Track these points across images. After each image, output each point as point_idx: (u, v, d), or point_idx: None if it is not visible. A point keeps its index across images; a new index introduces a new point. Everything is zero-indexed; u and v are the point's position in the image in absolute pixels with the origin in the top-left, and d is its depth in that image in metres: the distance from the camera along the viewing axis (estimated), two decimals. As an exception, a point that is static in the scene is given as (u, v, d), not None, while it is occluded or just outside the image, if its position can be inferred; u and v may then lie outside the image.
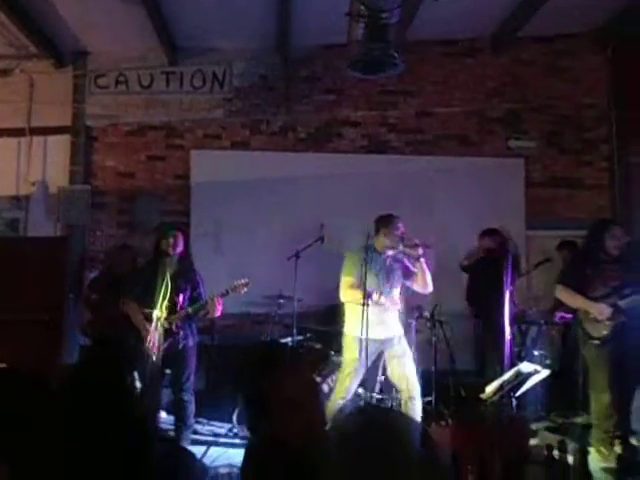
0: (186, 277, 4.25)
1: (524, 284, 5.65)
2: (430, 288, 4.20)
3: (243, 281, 4.20)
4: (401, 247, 4.09)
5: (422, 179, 6.29)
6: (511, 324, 4.10)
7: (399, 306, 4.27)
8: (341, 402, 4.11)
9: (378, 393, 4.64)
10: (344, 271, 4.21)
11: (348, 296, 4.18)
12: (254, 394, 1.47)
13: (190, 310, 4.17)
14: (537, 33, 6.38)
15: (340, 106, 6.55)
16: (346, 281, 4.17)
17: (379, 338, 4.11)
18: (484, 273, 4.98)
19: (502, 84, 6.65)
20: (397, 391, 4.30)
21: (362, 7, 3.35)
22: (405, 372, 4.13)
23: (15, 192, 6.26)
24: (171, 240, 4.21)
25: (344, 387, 4.19)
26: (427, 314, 5.06)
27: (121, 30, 5.87)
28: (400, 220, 4.15)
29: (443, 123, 6.60)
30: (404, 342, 4.23)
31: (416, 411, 4.09)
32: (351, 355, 4.16)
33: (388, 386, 4.51)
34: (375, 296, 4.03)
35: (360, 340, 4.03)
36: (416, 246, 4.03)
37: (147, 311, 4.13)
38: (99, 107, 6.37)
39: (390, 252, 4.16)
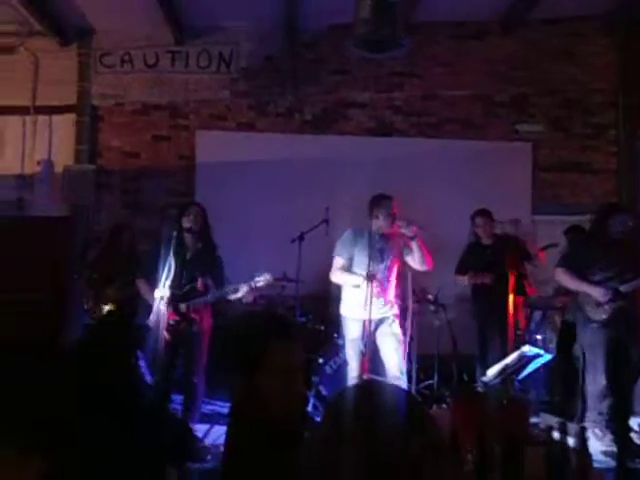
0: (206, 258, 4.16)
1: (529, 269, 5.63)
2: (427, 267, 4.23)
3: (266, 277, 4.08)
4: (394, 227, 4.13)
5: (428, 162, 6.24)
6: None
7: (394, 286, 4.30)
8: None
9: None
10: (336, 251, 4.30)
11: (337, 278, 4.30)
12: (251, 355, 1.49)
13: (210, 298, 4.10)
14: (547, 15, 6.28)
15: (347, 88, 6.50)
16: (337, 262, 4.27)
17: (374, 317, 4.14)
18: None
19: (510, 67, 6.57)
20: (383, 369, 4.34)
21: (369, -15, 3.33)
22: (393, 353, 4.19)
23: (20, 171, 6.26)
24: (191, 216, 4.11)
25: (352, 369, 4.24)
26: (431, 297, 5.07)
27: (127, 8, 5.80)
28: (393, 201, 4.21)
29: (450, 106, 6.54)
30: (396, 323, 4.27)
31: None
32: (351, 336, 4.24)
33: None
34: (363, 281, 4.05)
35: (357, 321, 4.14)
36: (409, 225, 4.07)
37: (162, 292, 4.03)
38: (104, 86, 6.34)
39: (384, 232, 4.19)
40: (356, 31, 3.56)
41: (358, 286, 4.13)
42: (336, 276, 4.29)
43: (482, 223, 4.98)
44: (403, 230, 4.10)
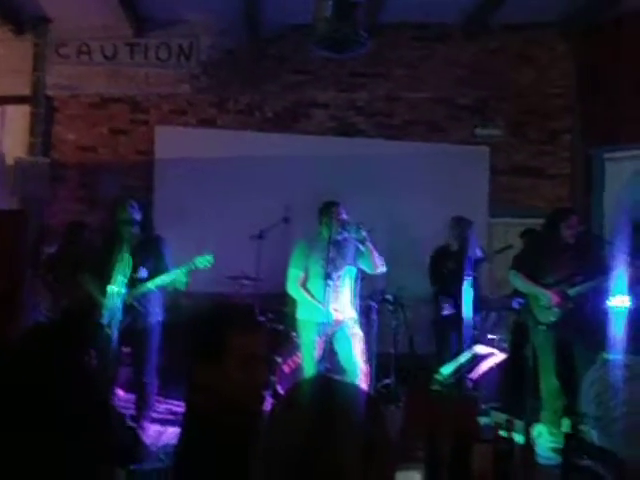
0: (148, 249, 4.08)
1: (486, 270, 5.73)
2: (381, 269, 4.28)
3: (208, 258, 4.08)
4: (345, 233, 4.17)
5: (389, 163, 6.29)
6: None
7: (351, 290, 4.33)
8: None
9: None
10: (291, 262, 4.31)
11: (294, 293, 4.31)
12: (213, 344, 1.47)
13: (151, 285, 3.98)
14: (507, 21, 6.40)
15: (309, 87, 6.49)
16: (293, 274, 4.28)
17: (332, 321, 4.16)
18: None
19: (471, 71, 6.66)
20: (343, 372, 4.35)
21: (330, -16, 3.32)
22: (352, 354, 4.20)
23: (-30, 162, 6.05)
24: (128, 208, 4.03)
25: (309, 372, 4.24)
26: (389, 297, 5.10)
27: (84, -3, 5.67)
28: (340, 206, 4.26)
29: (412, 108, 6.60)
30: (356, 325, 4.31)
31: None
32: (307, 339, 4.25)
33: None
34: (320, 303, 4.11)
35: (313, 323, 4.16)
36: (359, 230, 4.12)
37: (105, 286, 3.97)
38: (60, 77, 6.18)
39: (336, 238, 4.21)
40: (316, 30, 3.55)
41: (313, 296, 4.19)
42: (293, 291, 4.31)
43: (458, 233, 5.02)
44: (353, 235, 4.16)
